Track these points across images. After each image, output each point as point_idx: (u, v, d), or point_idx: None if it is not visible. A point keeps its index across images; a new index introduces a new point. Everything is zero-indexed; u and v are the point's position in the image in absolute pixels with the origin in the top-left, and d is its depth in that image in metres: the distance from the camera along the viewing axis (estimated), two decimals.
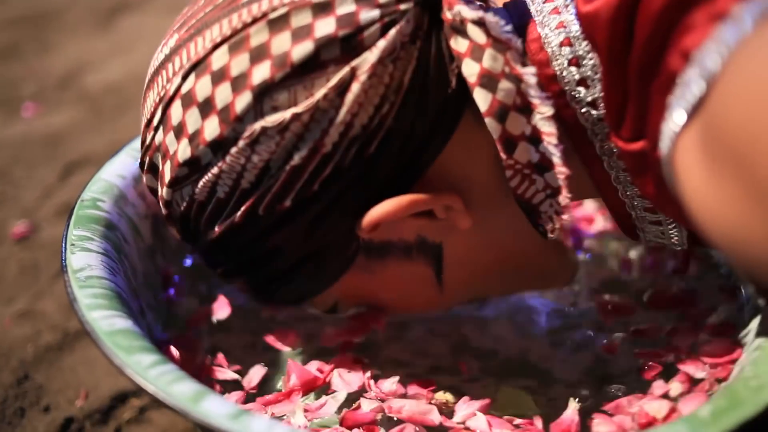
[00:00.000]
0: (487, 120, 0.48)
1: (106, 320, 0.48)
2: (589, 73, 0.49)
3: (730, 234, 0.40)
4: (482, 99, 0.48)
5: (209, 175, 0.50)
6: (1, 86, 1.60)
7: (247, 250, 0.52)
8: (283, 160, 0.48)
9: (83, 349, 0.84)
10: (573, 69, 0.50)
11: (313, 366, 0.58)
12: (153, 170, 0.54)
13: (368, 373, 0.58)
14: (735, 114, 0.38)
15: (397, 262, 0.55)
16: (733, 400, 0.46)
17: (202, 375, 0.59)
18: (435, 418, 0.53)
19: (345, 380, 0.57)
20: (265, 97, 0.48)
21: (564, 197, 0.50)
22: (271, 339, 0.62)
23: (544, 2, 0.52)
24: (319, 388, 0.57)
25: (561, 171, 0.49)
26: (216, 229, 0.51)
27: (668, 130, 0.43)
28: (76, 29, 1.83)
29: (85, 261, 0.53)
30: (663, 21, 0.43)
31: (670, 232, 0.56)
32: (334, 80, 0.47)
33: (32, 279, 0.98)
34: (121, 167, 0.65)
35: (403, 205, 0.50)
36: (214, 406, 0.43)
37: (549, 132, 0.48)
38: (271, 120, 0.48)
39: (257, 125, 0.48)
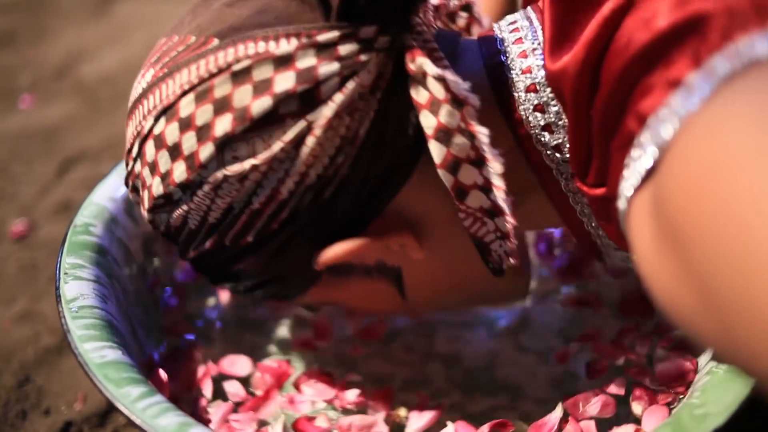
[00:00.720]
0: (440, 171, 0.51)
1: (97, 352, 0.51)
2: (553, 119, 0.52)
3: (666, 303, 0.42)
4: (437, 151, 0.50)
5: (180, 209, 0.54)
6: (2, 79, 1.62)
7: (219, 269, 0.58)
8: (244, 204, 0.52)
9: None
10: (538, 114, 0.53)
11: (275, 362, 0.64)
12: (135, 191, 0.58)
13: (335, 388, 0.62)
14: (677, 193, 0.39)
15: (360, 280, 0.59)
16: (678, 429, 0.49)
17: (194, 387, 0.62)
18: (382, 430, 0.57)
19: (315, 389, 0.62)
20: (226, 147, 0.51)
21: (512, 242, 0.53)
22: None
23: (513, 42, 0.54)
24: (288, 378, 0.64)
25: (509, 221, 0.51)
26: (191, 252, 0.56)
27: (624, 189, 0.44)
28: (71, 15, 1.84)
29: (77, 290, 0.56)
30: (623, 80, 0.45)
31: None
32: (291, 134, 0.50)
33: (31, 279, 1.01)
34: (111, 189, 0.67)
35: (355, 248, 0.54)
36: None
37: (499, 186, 0.50)
38: (232, 169, 0.51)
39: (219, 173, 0.51)
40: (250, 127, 0.50)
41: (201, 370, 0.65)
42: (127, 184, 0.59)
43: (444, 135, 0.49)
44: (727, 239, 0.35)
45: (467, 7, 0.63)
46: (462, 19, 0.64)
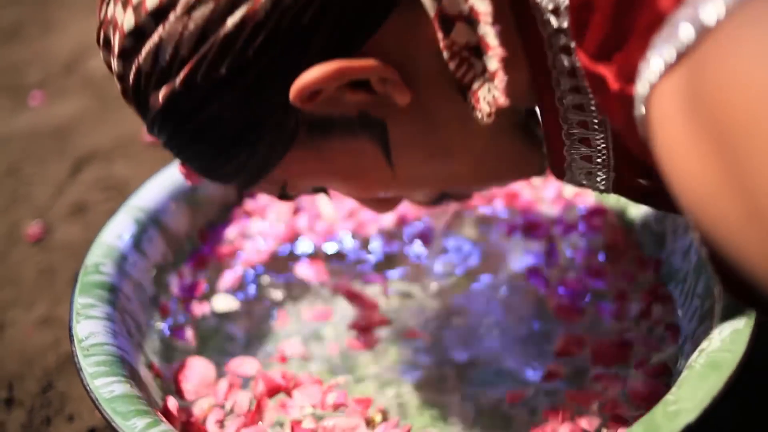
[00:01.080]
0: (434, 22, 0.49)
1: (106, 387, 0.58)
2: None
3: (699, 210, 0.37)
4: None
5: (151, 43, 0.51)
6: (6, 72, 1.67)
7: (189, 119, 0.54)
8: (218, 27, 0.49)
9: None
10: None
11: (278, 373, 0.69)
12: (107, 44, 0.55)
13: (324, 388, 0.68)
14: (727, 85, 0.34)
15: (342, 139, 0.55)
16: (650, 427, 0.50)
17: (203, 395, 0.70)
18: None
19: (305, 394, 0.68)
20: None
21: (500, 81, 0.48)
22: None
23: None
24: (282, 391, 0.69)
25: (497, 52, 0.48)
26: (160, 99, 0.53)
27: (649, 71, 0.39)
28: (77, 6, 1.88)
29: (89, 329, 0.62)
30: None
31: (598, 174, 0.56)
32: None
33: (50, 283, 1.08)
34: (119, 228, 0.73)
35: (331, 69, 0.49)
36: None
37: (484, 11, 0.47)
38: None
39: None
40: None
41: (209, 377, 0.71)
42: (98, 39, 0.56)
43: None
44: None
45: None
46: None
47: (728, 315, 0.56)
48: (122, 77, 0.55)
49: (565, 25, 0.48)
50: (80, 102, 1.51)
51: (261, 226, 0.85)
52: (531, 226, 0.83)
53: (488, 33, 0.47)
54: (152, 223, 0.76)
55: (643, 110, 0.40)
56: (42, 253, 1.14)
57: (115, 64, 0.55)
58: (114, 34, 0.53)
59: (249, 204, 0.87)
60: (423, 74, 0.52)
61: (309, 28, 0.49)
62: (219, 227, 0.84)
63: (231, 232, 0.84)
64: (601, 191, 0.57)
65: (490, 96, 0.49)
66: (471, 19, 0.48)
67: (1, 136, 1.44)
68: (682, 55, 0.37)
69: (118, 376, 0.59)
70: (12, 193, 1.28)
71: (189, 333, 0.75)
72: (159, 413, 0.59)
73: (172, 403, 0.64)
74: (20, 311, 1.03)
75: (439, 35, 0.49)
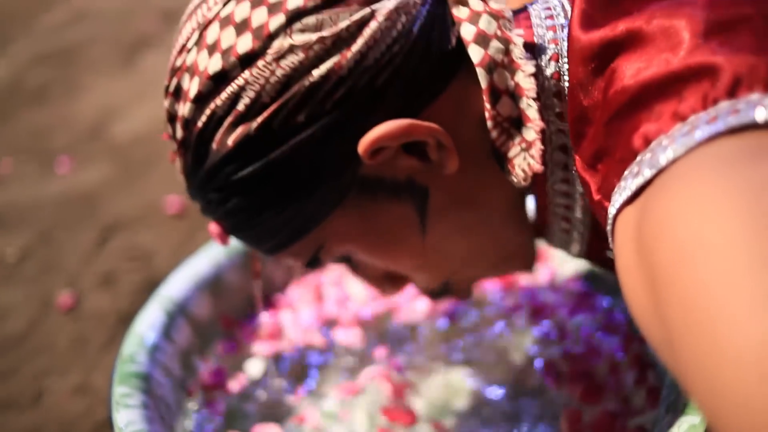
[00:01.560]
0: (479, 70, 0.56)
1: None
2: (564, 70, 0.57)
3: (637, 318, 0.45)
4: (476, 53, 0.56)
5: (234, 86, 0.55)
6: (33, 136, 1.77)
7: (254, 163, 0.57)
8: (303, 76, 0.54)
9: None
10: (552, 63, 0.57)
11: None
12: (177, 93, 0.59)
13: None
14: (660, 242, 0.41)
15: (386, 201, 0.60)
16: None
17: None
18: None
19: None
20: (295, 20, 0.55)
21: (537, 149, 0.56)
22: None
23: (545, 17, 0.58)
24: None
25: (537, 123, 0.56)
26: (230, 142, 0.56)
27: (617, 197, 0.47)
28: (101, 68, 1.98)
29: (127, 418, 0.71)
30: (637, 99, 0.47)
31: (573, 245, 0.66)
32: (357, 16, 0.55)
33: (82, 352, 1.17)
34: (151, 318, 0.82)
35: (403, 125, 0.55)
36: None
37: (529, 88, 0.55)
38: (299, 39, 0.54)
39: (285, 42, 0.54)
40: (321, 5, 0.55)
41: None
42: (167, 87, 0.59)
43: (482, 39, 0.56)
44: (696, 323, 0.37)
45: None
46: None
47: (689, 409, 0.63)
48: (189, 122, 0.58)
49: (566, 128, 0.56)
50: (105, 170, 1.61)
51: (290, 317, 0.92)
52: (536, 310, 0.88)
53: (530, 107, 0.56)
54: (180, 312, 0.84)
55: (610, 226, 0.48)
56: (73, 322, 1.23)
57: (185, 109, 0.58)
58: (191, 79, 0.57)
59: (274, 297, 0.94)
60: (467, 143, 0.59)
61: (383, 88, 0.55)
62: (246, 320, 0.92)
63: (263, 318, 0.91)
64: (573, 256, 0.67)
65: (525, 164, 0.57)
66: (515, 95, 0.56)
67: (31, 203, 1.54)
68: (639, 193, 0.45)
69: None
70: (44, 262, 1.37)
71: (217, 410, 0.83)
72: None
73: None
74: (56, 379, 1.12)
75: (487, 106, 0.56)
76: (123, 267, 1.32)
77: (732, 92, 0.43)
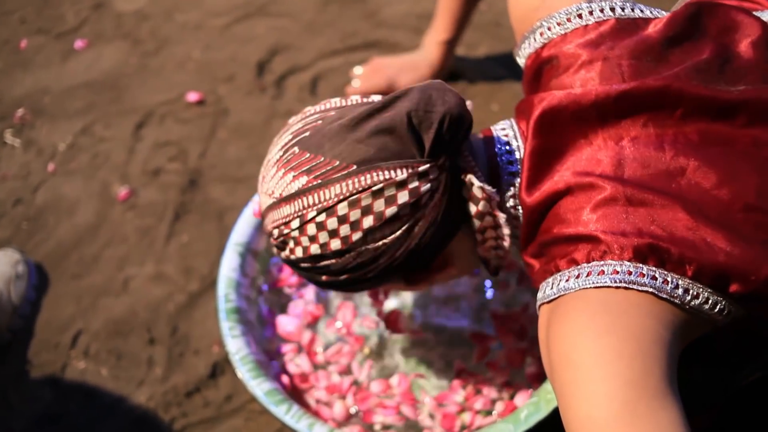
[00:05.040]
0: (477, 235, 0.90)
1: (259, 386, 1.04)
2: (519, 213, 0.90)
3: (545, 367, 0.77)
4: (477, 224, 0.88)
5: (328, 262, 0.88)
6: (52, 19, 1.92)
7: (337, 288, 0.93)
8: (373, 261, 0.87)
9: (205, 306, 1.37)
10: (511, 210, 0.91)
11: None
12: (282, 244, 0.91)
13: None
14: (552, 348, 0.72)
15: (415, 281, 0.97)
16: (537, 408, 0.98)
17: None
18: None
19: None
20: (369, 234, 0.85)
21: (504, 260, 0.93)
22: None
23: (506, 152, 0.90)
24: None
25: (507, 250, 0.91)
26: (323, 278, 0.91)
27: (539, 297, 0.80)
28: None
29: (236, 346, 1.07)
30: (555, 241, 0.79)
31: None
32: (407, 225, 0.85)
33: (149, 243, 1.48)
34: (231, 262, 1.15)
35: (429, 283, 0.97)
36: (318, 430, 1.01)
37: (506, 237, 0.89)
38: (371, 246, 0.86)
39: (363, 247, 0.86)
40: (384, 224, 0.85)
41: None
42: (272, 236, 0.91)
43: (480, 215, 0.87)
44: (562, 406, 0.70)
45: None
46: None
47: None
48: (293, 263, 0.91)
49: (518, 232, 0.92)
50: (121, 50, 1.81)
51: None
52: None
53: (505, 242, 0.90)
54: (247, 251, 1.19)
55: (537, 307, 0.82)
56: (134, 214, 1.52)
57: (289, 256, 0.91)
58: (296, 246, 0.89)
59: None
60: (463, 257, 0.94)
61: (417, 253, 0.87)
62: None
63: None
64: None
65: (498, 263, 0.93)
66: (497, 239, 0.90)
67: (60, 88, 1.75)
68: (550, 301, 0.77)
69: (261, 376, 1.05)
70: (93, 155, 1.63)
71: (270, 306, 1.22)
72: (283, 391, 1.06)
73: (285, 379, 1.11)
74: (134, 267, 1.45)
75: (478, 238, 0.91)
76: (163, 162, 1.60)
77: (602, 257, 0.75)
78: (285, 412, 1.02)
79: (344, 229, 0.85)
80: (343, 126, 0.86)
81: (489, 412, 1.09)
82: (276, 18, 1.84)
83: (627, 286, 0.73)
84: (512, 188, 0.90)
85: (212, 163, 1.58)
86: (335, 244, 0.86)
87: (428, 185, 0.84)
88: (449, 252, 0.92)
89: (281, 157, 0.88)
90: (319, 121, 0.88)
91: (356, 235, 0.85)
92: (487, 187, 0.86)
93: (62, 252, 1.48)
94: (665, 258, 0.73)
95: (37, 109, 1.72)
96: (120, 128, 1.67)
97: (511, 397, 1.09)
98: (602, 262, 0.74)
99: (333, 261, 0.88)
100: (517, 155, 0.89)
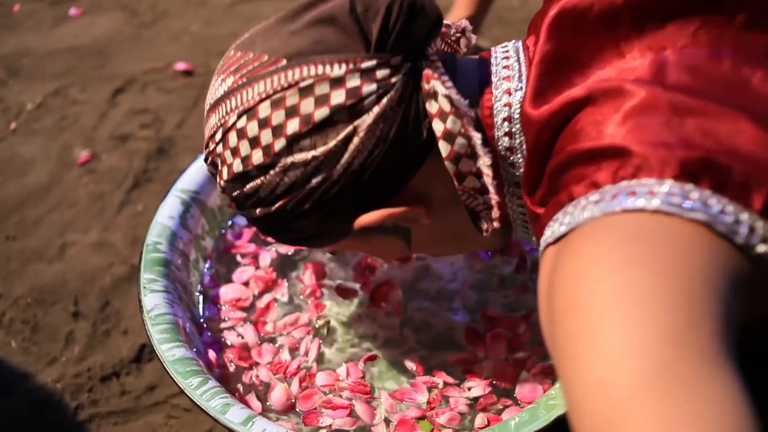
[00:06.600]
0: (446, 163, 0.68)
1: (169, 351, 0.81)
2: (516, 145, 0.69)
3: (544, 332, 0.57)
4: (444, 148, 0.68)
5: (254, 183, 0.70)
6: None
7: (276, 225, 0.74)
8: (305, 182, 0.69)
9: None
10: (506, 139, 0.69)
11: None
12: (213, 166, 0.75)
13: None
14: (558, 292, 0.52)
15: (379, 237, 0.77)
16: (533, 415, 0.75)
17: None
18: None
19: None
20: (294, 143, 0.68)
21: (495, 212, 0.71)
22: None
23: (503, 78, 0.69)
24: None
25: (494, 197, 0.70)
26: (257, 212, 0.73)
27: (545, 237, 0.60)
28: None
29: (153, 302, 0.85)
30: (570, 161, 0.59)
31: (532, 240, 0.77)
32: (342, 135, 0.67)
33: (100, 209, 1.29)
34: (170, 209, 0.94)
35: (383, 216, 0.71)
36: (233, 416, 0.77)
37: (488, 173, 0.68)
38: (298, 157, 0.68)
39: (288, 159, 0.68)
40: (312, 129, 0.67)
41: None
42: (206, 159, 0.75)
43: (449, 136, 0.67)
44: (564, 357, 0.50)
45: (463, 31, 0.79)
46: (460, 39, 0.79)
47: None
48: (225, 189, 0.74)
49: (518, 172, 0.71)
50: (115, 19, 1.67)
51: None
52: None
53: (490, 185, 0.69)
54: (194, 201, 0.97)
55: (539, 252, 0.62)
56: (91, 179, 1.34)
57: (221, 181, 0.74)
58: (222, 166, 0.72)
59: None
60: (441, 199, 0.73)
61: (367, 182, 0.69)
62: None
63: None
64: (536, 248, 0.79)
65: (488, 217, 0.73)
66: (478, 174, 0.69)
67: (44, 52, 1.61)
68: (558, 239, 0.57)
69: (177, 341, 0.82)
70: (60, 117, 1.47)
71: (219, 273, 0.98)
72: (206, 369, 0.82)
73: (212, 354, 0.88)
74: (77, 233, 1.26)
75: (455, 183, 0.70)
76: (132, 129, 1.42)
77: (634, 174, 0.54)
78: (195, 386, 0.78)
79: (265, 135, 0.68)
80: (279, 19, 0.71)
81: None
82: (288, 1, 1.69)
83: (669, 211, 0.51)
84: (506, 110, 0.69)
85: (188, 134, 1.40)
86: (257, 157, 0.69)
87: (373, 86, 0.67)
88: (419, 192, 0.72)
89: (219, 65, 0.74)
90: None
91: (279, 143, 0.68)
92: (457, 97, 0.67)
93: (3, 212, 1.30)
94: (724, 179, 0.52)
95: (13, 69, 1.58)
96: (96, 93, 1.51)
97: (499, 413, 0.85)
98: (635, 182, 0.54)
99: (258, 181, 0.70)
100: (518, 74, 0.70)
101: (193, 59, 1.54)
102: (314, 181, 0.69)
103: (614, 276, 0.49)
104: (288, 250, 1.02)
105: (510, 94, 0.69)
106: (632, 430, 0.44)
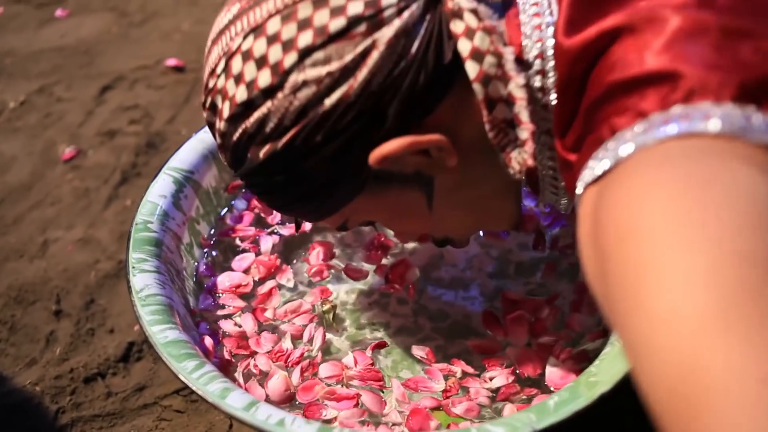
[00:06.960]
0: (475, 85, 0.61)
1: (161, 333, 0.73)
2: (549, 85, 0.62)
3: (589, 278, 0.52)
4: (472, 69, 0.61)
5: (259, 113, 0.62)
6: None
7: (283, 172, 0.65)
8: (317, 105, 0.61)
9: None
10: (538, 77, 0.62)
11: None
12: (213, 108, 0.66)
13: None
14: (608, 224, 0.47)
15: (398, 189, 0.68)
16: (574, 393, 0.65)
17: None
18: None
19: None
20: (306, 56, 0.60)
21: (529, 147, 0.63)
22: None
23: (533, 15, 0.62)
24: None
25: (527, 126, 0.62)
26: (261, 155, 0.64)
27: (584, 177, 0.53)
28: None
29: (143, 282, 0.77)
30: (609, 92, 0.53)
31: (561, 202, 0.72)
32: (360, 48, 0.60)
33: (85, 206, 1.22)
34: (161, 188, 0.87)
35: (405, 144, 0.62)
36: (233, 400, 0.68)
37: (521, 97, 0.62)
38: (311, 74, 0.60)
39: (300, 77, 0.61)
40: (327, 41, 0.60)
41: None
42: (204, 103, 0.67)
43: (477, 55, 0.61)
44: (623, 291, 0.45)
45: None
46: None
47: None
48: (225, 134, 0.66)
49: (549, 116, 0.64)
50: (103, 19, 1.61)
51: None
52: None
53: (522, 112, 0.62)
54: (187, 181, 0.89)
55: (578, 201, 0.55)
56: (77, 176, 1.27)
57: (220, 124, 0.66)
58: (223, 102, 0.64)
59: None
60: (467, 140, 0.66)
61: (387, 106, 0.62)
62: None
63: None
64: (563, 210, 0.74)
65: (520, 158, 0.65)
66: (509, 102, 0.62)
67: (30, 52, 1.54)
68: (600, 177, 0.52)
69: (169, 323, 0.74)
70: (45, 114, 1.39)
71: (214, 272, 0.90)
72: (201, 353, 0.74)
73: (209, 341, 0.80)
74: (60, 230, 1.18)
75: (484, 113, 0.63)
76: (120, 125, 1.35)
77: (687, 99, 0.49)
78: (191, 370, 0.70)
79: (274, 52, 0.61)
80: None
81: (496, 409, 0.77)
82: None
83: (732, 132, 0.47)
84: (538, 46, 0.62)
85: (179, 129, 1.33)
86: (264, 78, 0.62)
87: None
88: (444, 127, 0.64)
89: None
90: None
91: (289, 58, 0.61)
92: (485, 9, 0.61)
93: None
94: None
95: None
96: (83, 90, 1.44)
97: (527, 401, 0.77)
98: (689, 106, 0.49)
99: (265, 109, 0.62)
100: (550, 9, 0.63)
101: (185, 56, 1.48)
102: (328, 102, 0.61)
103: (676, 199, 0.45)
104: (291, 232, 0.94)
105: (540, 29, 0.62)
106: (712, 366, 0.39)
